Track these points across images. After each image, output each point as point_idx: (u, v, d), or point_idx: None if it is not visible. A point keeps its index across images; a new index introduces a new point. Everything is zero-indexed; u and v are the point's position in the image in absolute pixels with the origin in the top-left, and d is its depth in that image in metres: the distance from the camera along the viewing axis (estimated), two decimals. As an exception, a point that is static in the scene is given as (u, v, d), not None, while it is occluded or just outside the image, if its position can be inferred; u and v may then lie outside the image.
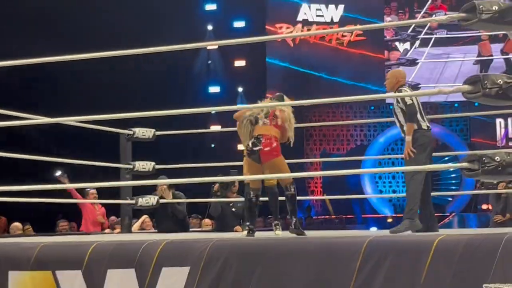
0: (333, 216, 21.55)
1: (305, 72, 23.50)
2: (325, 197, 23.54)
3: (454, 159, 16.19)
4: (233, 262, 4.50)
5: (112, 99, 18.09)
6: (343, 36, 23.36)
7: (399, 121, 5.89)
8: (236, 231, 8.63)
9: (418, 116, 5.78)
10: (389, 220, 20.54)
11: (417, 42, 23.08)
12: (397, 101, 5.87)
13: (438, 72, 22.62)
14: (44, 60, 5.31)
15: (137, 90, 20.28)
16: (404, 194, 5.90)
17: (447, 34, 22.69)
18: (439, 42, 22.89)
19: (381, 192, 22.22)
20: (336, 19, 23.30)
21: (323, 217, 21.90)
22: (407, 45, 23.19)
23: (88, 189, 10.23)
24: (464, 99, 4.17)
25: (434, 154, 5.98)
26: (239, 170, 8.46)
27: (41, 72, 15.53)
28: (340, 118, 23.06)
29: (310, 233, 6.29)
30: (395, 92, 5.98)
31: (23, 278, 4.91)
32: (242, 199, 8.66)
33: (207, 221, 10.86)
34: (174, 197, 8.63)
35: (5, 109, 6.65)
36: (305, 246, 4.56)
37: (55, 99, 17.46)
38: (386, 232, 5.54)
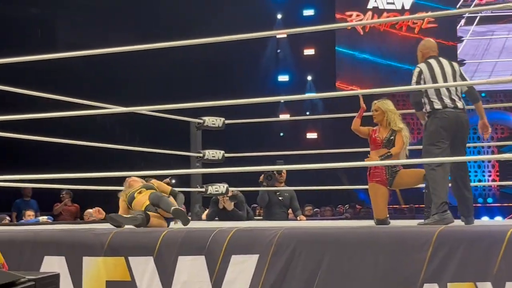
0: (403, 206, 21.34)
1: (374, 60, 23.29)
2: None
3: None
4: (302, 250, 4.51)
5: (182, 88, 18.30)
6: (414, 23, 23.05)
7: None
8: (300, 219, 8.66)
9: (432, 95, 5.38)
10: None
11: (462, 21, 23.01)
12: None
13: (483, 49, 22.79)
14: (117, 50, 5.41)
15: (207, 80, 20.45)
16: (477, 183, 5.80)
17: (492, 12, 22.76)
18: (484, 20, 22.84)
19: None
20: (407, 6, 23.00)
21: (393, 206, 21.71)
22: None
23: (150, 179, 10.34)
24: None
25: (505, 143, 5.78)
26: (287, 160, 8.49)
27: (114, 62, 15.79)
28: (410, 106, 22.76)
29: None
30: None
31: (97, 264, 5.01)
32: (289, 188, 8.72)
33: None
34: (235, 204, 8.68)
35: (81, 99, 6.82)
36: (374, 235, 4.54)
37: (127, 89, 17.76)
38: (457, 222, 5.46)
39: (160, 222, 5.87)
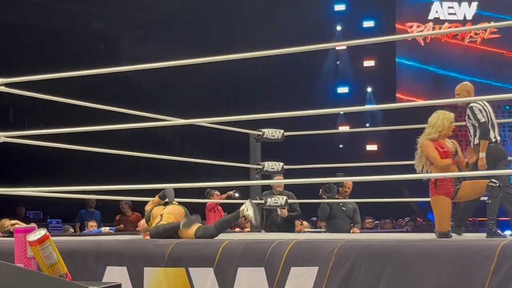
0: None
1: (435, 71, 23.02)
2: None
3: None
4: (362, 263, 4.47)
5: (242, 100, 18.39)
6: (476, 34, 22.72)
7: (470, 136, 6.19)
8: (353, 232, 8.60)
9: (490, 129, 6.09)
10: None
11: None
12: (469, 117, 6.15)
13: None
14: (178, 63, 5.48)
15: (266, 91, 20.51)
16: None
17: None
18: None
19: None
20: (469, 17, 22.68)
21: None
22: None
23: (213, 190, 10.36)
24: None
25: None
26: (347, 172, 8.42)
27: (174, 74, 15.96)
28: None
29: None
30: (467, 106, 6.23)
31: (158, 274, 5.05)
32: (351, 200, 8.67)
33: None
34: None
35: (142, 111, 6.92)
36: (436, 248, 4.47)
37: (187, 101, 17.94)
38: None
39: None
